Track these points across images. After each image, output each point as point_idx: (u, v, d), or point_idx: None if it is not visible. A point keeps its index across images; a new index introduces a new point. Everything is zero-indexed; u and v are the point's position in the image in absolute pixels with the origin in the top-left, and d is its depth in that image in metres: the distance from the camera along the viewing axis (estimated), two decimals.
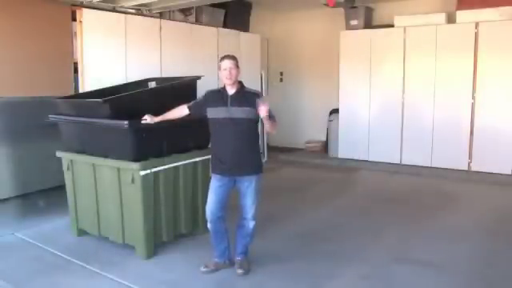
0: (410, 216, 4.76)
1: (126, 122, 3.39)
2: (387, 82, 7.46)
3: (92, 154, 3.78)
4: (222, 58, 3.26)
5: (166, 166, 3.67)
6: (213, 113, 3.24)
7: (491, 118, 6.67)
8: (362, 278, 3.32)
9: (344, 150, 7.91)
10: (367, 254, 3.77)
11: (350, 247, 3.91)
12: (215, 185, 3.27)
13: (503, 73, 6.52)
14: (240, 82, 3.26)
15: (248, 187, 3.25)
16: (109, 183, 3.69)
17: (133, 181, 3.48)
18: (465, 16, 6.72)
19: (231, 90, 3.21)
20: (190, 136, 3.95)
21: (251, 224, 3.33)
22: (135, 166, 3.45)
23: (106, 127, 3.60)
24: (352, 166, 7.37)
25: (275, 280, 3.28)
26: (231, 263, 3.45)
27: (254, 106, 3.12)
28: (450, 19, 6.93)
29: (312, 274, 3.39)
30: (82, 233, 4.09)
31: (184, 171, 3.87)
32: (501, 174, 6.57)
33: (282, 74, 9.34)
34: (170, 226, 3.83)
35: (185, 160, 3.85)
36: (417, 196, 5.66)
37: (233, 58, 3.24)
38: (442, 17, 6.93)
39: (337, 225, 4.49)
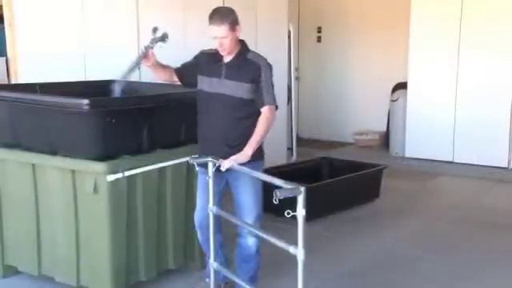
0: None
1: (86, 101, 3.40)
2: (488, 47, 7.28)
3: (31, 150, 3.77)
4: (209, 19, 3.43)
5: (146, 168, 3.67)
6: (204, 84, 3.57)
7: None
8: None
9: (414, 145, 7.94)
10: None
11: None
12: None
13: None
14: (241, 44, 3.53)
15: None
16: (57, 194, 3.67)
17: (95, 190, 3.46)
18: None
19: (228, 57, 3.53)
20: (183, 123, 4.02)
21: None
22: (99, 166, 3.43)
23: (56, 108, 3.61)
24: (427, 171, 7.44)
25: None
26: None
27: (253, 80, 3.44)
28: None
29: None
30: (10, 271, 4.09)
31: (173, 175, 3.89)
32: None
33: (320, 30, 9.45)
34: (152, 258, 3.85)
35: (175, 159, 3.86)
36: None
37: (220, 19, 3.36)
38: None
39: (404, 260, 4.56)
